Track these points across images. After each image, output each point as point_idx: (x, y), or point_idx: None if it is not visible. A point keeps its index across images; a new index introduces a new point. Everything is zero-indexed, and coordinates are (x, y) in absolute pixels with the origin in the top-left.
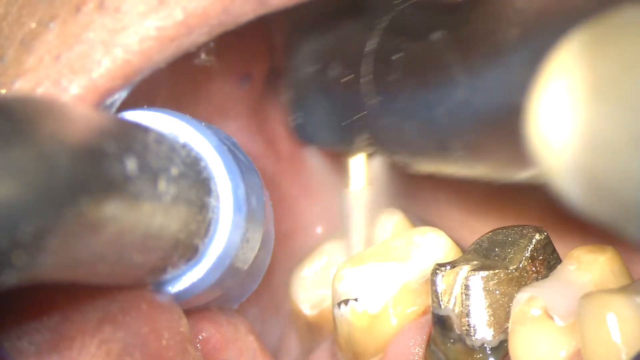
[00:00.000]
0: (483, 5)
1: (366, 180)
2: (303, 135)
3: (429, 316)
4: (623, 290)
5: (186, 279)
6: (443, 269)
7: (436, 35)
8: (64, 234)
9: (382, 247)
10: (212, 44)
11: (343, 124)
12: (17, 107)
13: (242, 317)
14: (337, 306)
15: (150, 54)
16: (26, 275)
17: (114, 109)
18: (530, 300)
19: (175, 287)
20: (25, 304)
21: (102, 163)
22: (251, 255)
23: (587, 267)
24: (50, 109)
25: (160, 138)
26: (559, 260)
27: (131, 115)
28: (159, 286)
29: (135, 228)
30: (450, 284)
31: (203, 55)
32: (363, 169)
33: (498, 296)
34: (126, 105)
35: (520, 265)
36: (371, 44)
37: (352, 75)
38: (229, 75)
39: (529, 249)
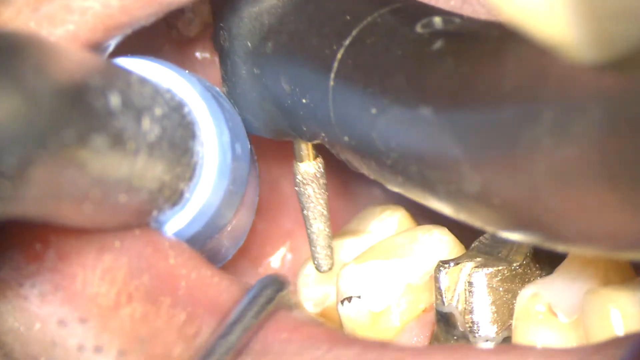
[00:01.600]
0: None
1: (314, 153)
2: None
3: (433, 313)
4: (627, 286)
5: (172, 225)
6: (446, 265)
7: (425, 110)
8: (48, 165)
9: (385, 244)
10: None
11: (292, 130)
12: None
13: None
14: (340, 304)
15: (131, 8)
16: (11, 207)
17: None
18: (534, 297)
19: (163, 232)
20: (18, 247)
21: (85, 96)
22: (234, 208)
23: (590, 263)
24: (33, 43)
25: (143, 80)
26: (562, 257)
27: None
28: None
29: (119, 165)
30: (453, 281)
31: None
32: (310, 146)
33: (502, 293)
34: None
35: (524, 262)
36: (332, 78)
37: (309, 101)
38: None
39: (532, 245)
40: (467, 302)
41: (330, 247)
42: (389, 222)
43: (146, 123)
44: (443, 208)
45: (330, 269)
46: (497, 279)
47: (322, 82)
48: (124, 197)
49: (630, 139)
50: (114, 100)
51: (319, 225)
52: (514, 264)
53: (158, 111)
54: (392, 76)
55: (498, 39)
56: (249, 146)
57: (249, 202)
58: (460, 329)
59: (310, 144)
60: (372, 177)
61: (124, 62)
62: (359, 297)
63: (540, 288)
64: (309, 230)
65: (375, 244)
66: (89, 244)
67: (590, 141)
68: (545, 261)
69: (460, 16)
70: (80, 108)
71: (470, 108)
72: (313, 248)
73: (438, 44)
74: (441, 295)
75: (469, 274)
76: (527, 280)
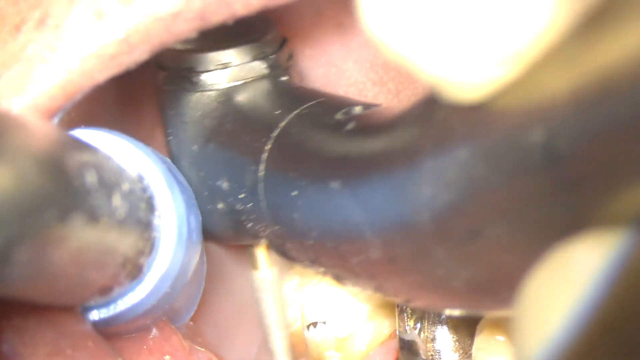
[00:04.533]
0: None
1: (270, 262)
2: None
3: (397, 339)
4: None
5: (129, 299)
6: None
7: (334, 184)
8: (31, 246)
9: None
10: None
11: (240, 232)
12: None
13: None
14: (306, 328)
15: (92, 72)
16: None
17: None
18: (494, 326)
19: (118, 307)
20: None
21: (66, 175)
22: (190, 273)
23: None
24: (13, 121)
25: (108, 155)
26: None
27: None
28: (86, 312)
29: (94, 243)
30: (416, 309)
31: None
32: (265, 255)
33: (463, 322)
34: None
35: None
36: (261, 169)
37: (245, 194)
38: None
39: None
40: (429, 331)
41: (291, 355)
42: None
43: (116, 199)
44: (364, 285)
45: None
46: None
47: (253, 174)
48: (93, 274)
49: (495, 176)
50: (90, 177)
51: (278, 333)
52: None
53: (125, 187)
54: (310, 159)
55: (399, 112)
56: (200, 215)
57: (200, 266)
58: (423, 357)
59: (265, 252)
60: (308, 266)
61: (79, 134)
62: (324, 322)
63: (500, 317)
64: (268, 338)
65: None
66: (43, 344)
67: (464, 185)
68: None
69: (378, 105)
70: (63, 187)
71: (369, 175)
72: (274, 356)
73: (350, 125)
74: (404, 323)
75: None
76: None
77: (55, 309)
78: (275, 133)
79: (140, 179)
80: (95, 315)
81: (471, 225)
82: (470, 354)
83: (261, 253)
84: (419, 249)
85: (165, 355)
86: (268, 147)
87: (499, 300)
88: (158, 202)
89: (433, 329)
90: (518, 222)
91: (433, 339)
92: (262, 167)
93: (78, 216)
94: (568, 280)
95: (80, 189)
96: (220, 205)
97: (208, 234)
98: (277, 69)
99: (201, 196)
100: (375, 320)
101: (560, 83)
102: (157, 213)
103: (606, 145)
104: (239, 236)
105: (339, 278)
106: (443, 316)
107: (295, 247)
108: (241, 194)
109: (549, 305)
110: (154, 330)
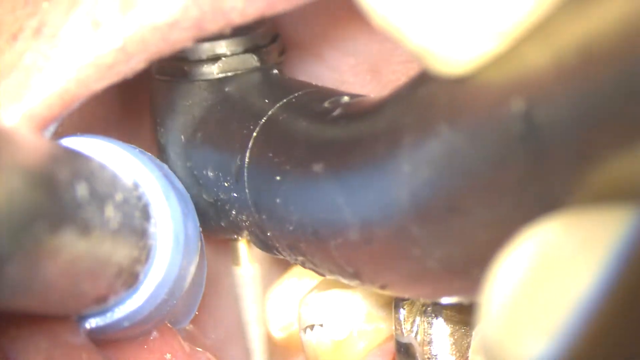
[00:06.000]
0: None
1: (251, 258)
2: None
3: (394, 342)
4: None
5: (126, 307)
6: (406, 296)
7: (317, 167)
8: (21, 262)
9: None
10: None
11: (223, 223)
12: None
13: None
14: (303, 331)
15: (89, 81)
16: None
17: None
18: None
19: (115, 315)
20: None
21: (56, 189)
22: (188, 279)
23: None
24: (1, 136)
25: (103, 165)
26: None
27: (65, 143)
28: (82, 320)
29: (86, 255)
30: (412, 312)
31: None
32: (246, 250)
33: (460, 325)
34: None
35: None
36: (247, 156)
37: (229, 183)
38: None
39: None
40: (426, 334)
41: (267, 352)
42: None
43: (109, 210)
44: (341, 272)
45: None
46: (455, 310)
47: (239, 161)
48: (87, 285)
49: (474, 150)
50: (81, 190)
51: (256, 331)
52: None
53: (119, 197)
54: (295, 144)
55: (385, 96)
56: (198, 221)
57: (201, 267)
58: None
59: (246, 246)
60: (289, 258)
61: (74, 142)
62: (322, 325)
63: None
64: (246, 336)
65: None
66: (36, 353)
67: (443, 160)
68: None
69: (367, 95)
70: (53, 201)
71: (351, 156)
72: (251, 354)
73: (337, 112)
74: (400, 326)
75: (427, 305)
76: None
77: (50, 318)
78: (262, 121)
79: (136, 186)
80: (91, 323)
81: (449, 201)
82: (467, 358)
83: (242, 247)
84: (396, 229)
85: (165, 354)
86: (255, 134)
87: (470, 282)
88: (154, 209)
89: (429, 332)
90: (496, 196)
91: (430, 342)
92: (247, 154)
93: (69, 230)
94: (563, 264)
95: (71, 202)
96: (204, 196)
97: None
98: (268, 62)
99: (186, 188)
100: (372, 322)
101: (543, 55)
102: (152, 221)
103: (585, 113)
104: (221, 229)
105: (316, 267)
106: (441, 319)
107: (276, 236)
108: (226, 182)
109: (530, 302)
110: (154, 332)
